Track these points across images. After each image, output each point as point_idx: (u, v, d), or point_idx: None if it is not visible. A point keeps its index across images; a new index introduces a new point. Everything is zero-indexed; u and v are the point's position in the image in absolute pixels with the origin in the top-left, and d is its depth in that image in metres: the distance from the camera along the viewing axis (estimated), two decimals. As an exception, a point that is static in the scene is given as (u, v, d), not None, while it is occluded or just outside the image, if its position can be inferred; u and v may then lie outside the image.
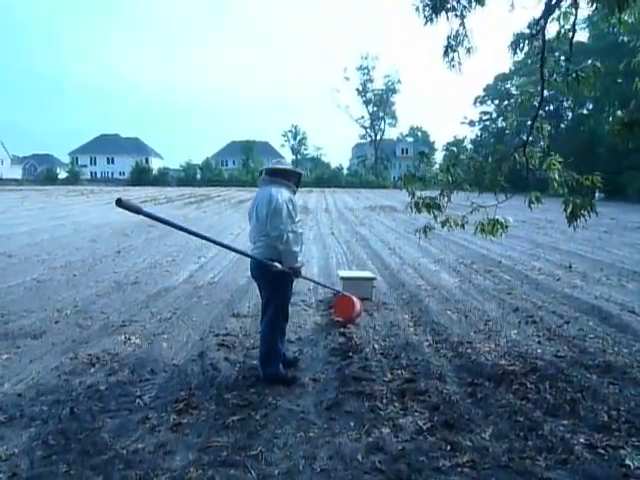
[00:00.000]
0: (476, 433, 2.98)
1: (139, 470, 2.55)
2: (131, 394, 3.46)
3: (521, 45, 4.53)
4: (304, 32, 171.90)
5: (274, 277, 3.57)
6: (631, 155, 27.71)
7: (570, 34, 3.92)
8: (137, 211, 2.70)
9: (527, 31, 4.48)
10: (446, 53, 4.54)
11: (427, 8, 4.38)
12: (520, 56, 4.87)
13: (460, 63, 4.54)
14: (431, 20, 4.47)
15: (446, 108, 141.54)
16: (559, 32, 4.29)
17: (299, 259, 3.64)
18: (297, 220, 3.61)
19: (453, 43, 4.59)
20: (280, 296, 3.67)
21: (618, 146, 4.53)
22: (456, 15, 4.38)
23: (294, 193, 3.76)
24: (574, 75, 3.79)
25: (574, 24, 3.82)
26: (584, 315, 5.70)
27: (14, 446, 2.77)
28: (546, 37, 4.03)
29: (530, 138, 4.38)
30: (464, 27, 4.42)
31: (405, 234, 13.30)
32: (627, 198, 30.47)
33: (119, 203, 2.59)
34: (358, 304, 5.27)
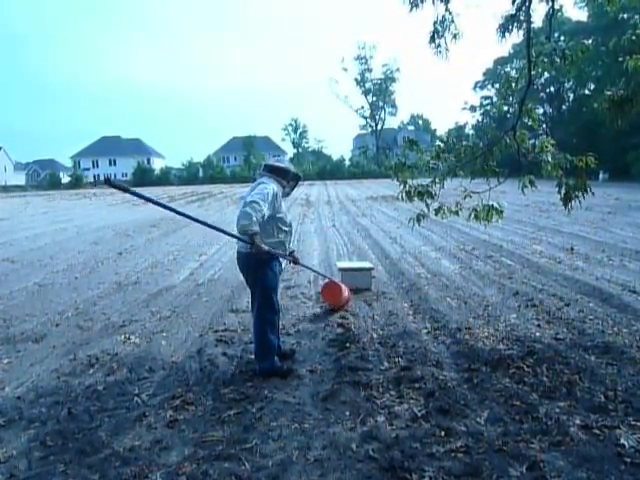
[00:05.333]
0: (471, 418, 2.98)
1: (135, 467, 2.57)
2: (129, 393, 3.49)
3: (510, 27, 4.46)
4: (300, 25, 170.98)
5: (252, 268, 3.61)
6: (635, 135, 27.35)
7: (558, 13, 3.86)
8: (125, 190, 2.87)
9: (515, 13, 4.41)
10: (432, 39, 4.49)
11: (411, -7, 4.33)
12: (518, 39, 4.79)
13: (447, 49, 4.49)
14: (416, 6, 4.42)
15: (447, 95, 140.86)
16: (548, 12, 4.23)
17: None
18: (279, 215, 3.66)
19: (440, 29, 4.53)
20: (261, 287, 3.67)
21: (618, 125, 4.45)
22: (441, 0, 4.32)
23: (284, 191, 3.82)
24: (561, 55, 3.73)
25: (553, 2, 3.75)
26: (585, 297, 5.66)
27: (13, 448, 2.81)
28: (532, 18, 3.98)
29: (520, 122, 4.32)
30: (450, 12, 4.36)
31: (407, 223, 13.21)
32: (632, 178, 30.11)
33: (108, 182, 2.75)
34: (346, 291, 5.34)
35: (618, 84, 4.34)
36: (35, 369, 4.00)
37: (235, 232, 3.54)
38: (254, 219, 3.31)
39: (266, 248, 3.43)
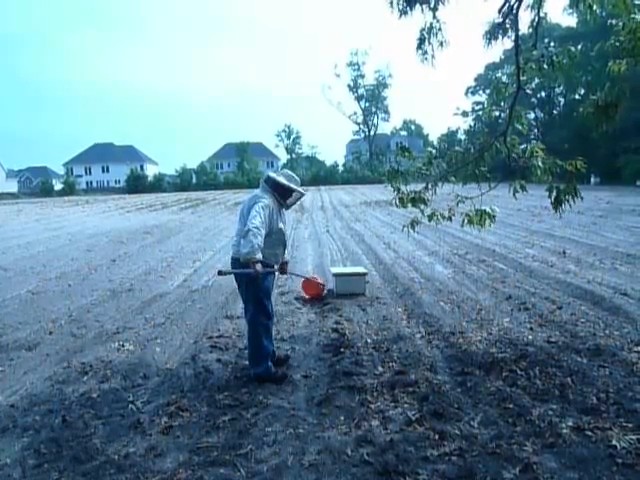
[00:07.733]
0: (465, 421, 3.00)
1: (129, 474, 2.57)
2: (123, 400, 3.48)
3: (495, 35, 4.52)
4: (293, 30, 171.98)
5: (243, 275, 3.63)
6: (627, 139, 27.66)
7: (543, 20, 3.93)
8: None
9: (502, 21, 4.48)
10: (419, 46, 4.54)
11: (401, 0, 4.38)
12: (504, 46, 4.86)
13: (433, 56, 4.55)
14: (405, 13, 4.47)
15: (440, 100, 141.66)
16: (534, 20, 4.30)
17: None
18: (278, 227, 3.73)
19: (427, 36, 4.59)
20: (254, 293, 3.69)
21: (603, 130, 4.50)
22: (429, 8, 4.38)
23: (280, 205, 3.83)
24: (549, 61, 3.79)
25: (539, 10, 3.82)
26: (577, 300, 5.71)
27: (6, 456, 2.80)
28: (519, 24, 4.04)
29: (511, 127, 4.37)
30: (437, 20, 4.42)
31: (400, 228, 13.29)
32: (623, 181, 30.43)
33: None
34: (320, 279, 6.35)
35: (604, 89, 4.41)
36: (29, 377, 3.98)
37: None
38: (256, 247, 3.48)
39: (262, 270, 3.59)
